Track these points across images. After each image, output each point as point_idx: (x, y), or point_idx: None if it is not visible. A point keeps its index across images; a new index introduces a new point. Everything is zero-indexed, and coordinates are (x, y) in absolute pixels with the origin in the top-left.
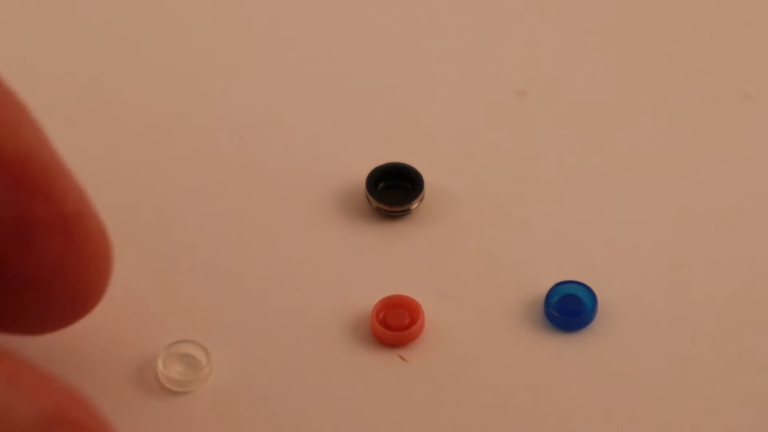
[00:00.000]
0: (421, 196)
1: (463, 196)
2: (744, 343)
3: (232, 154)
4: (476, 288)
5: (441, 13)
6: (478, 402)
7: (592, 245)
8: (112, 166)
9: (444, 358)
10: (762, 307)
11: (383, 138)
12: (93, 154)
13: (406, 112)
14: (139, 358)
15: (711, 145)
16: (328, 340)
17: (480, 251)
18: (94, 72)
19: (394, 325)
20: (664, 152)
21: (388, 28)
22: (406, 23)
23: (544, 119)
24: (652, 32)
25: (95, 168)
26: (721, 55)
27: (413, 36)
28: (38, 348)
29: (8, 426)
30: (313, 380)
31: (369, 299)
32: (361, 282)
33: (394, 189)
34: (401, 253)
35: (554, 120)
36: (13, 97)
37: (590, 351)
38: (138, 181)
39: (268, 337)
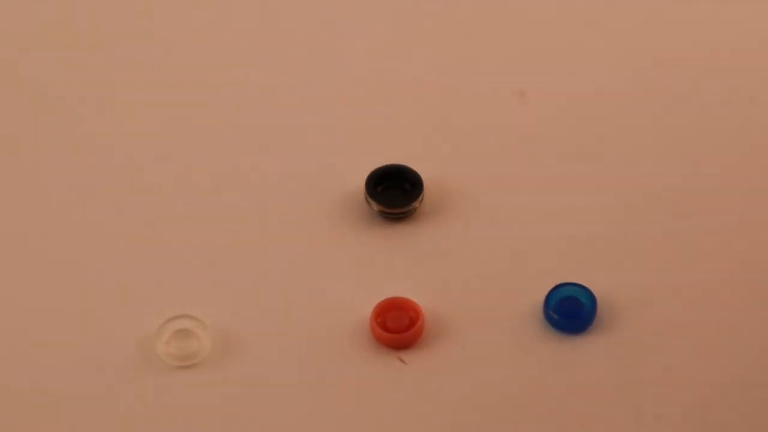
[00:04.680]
0: (420, 198)
1: (462, 197)
2: (744, 343)
3: (232, 159)
4: (476, 290)
5: (441, 14)
6: (478, 404)
7: (592, 247)
8: (119, 167)
9: (443, 360)
10: (762, 308)
11: (382, 139)
12: (103, 152)
13: (405, 113)
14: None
15: (712, 147)
16: (328, 342)
17: (479, 253)
18: (100, 73)
19: (394, 327)
20: (665, 154)
21: (386, 30)
22: (405, 25)
23: (545, 120)
24: (652, 33)
25: (106, 167)
26: (723, 56)
27: (412, 37)
28: (35, 336)
29: None
30: (312, 381)
31: (369, 301)
32: (360, 284)
33: (393, 191)
34: (401, 255)
35: (555, 121)
36: None
37: (590, 353)
38: (139, 182)
39: (268, 339)
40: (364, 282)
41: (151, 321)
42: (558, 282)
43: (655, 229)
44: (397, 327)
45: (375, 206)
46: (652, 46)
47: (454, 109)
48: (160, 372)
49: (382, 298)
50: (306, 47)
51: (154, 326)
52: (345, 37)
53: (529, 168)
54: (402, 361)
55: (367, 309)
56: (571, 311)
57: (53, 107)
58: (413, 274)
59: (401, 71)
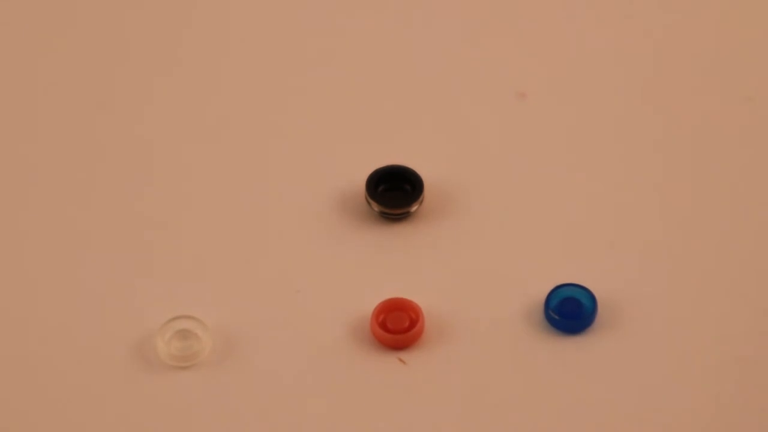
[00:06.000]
0: (420, 199)
1: (463, 198)
2: (744, 344)
3: (232, 160)
4: (476, 291)
5: (441, 15)
6: (478, 405)
7: (592, 248)
8: (122, 166)
9: (443, 361)
10: (762, 308)
11: (383, 140)
12: (103, 154)
13: (405, 114)
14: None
15: (711, 147)
16: (328, 342)
17: (480, 254)
18: (99, 73)
19: (394, 327)
20: (664, 154)
21: (387, 31)
22: (406, 26)
23: (545, 121)
24: (652, 34)
25: (107, 167)
26: (722, 57)
27: (413, 39)
28: (35, 336)
29: None
30: (312, 382)
31: (369, 302)
32: (361, 284)
33: (394, 191)
34: (401, 256)
35: (555, 122)
36: None
37: (591, 353)
38: (140, 183)
39: (268, 340)
40: (365, 282)
41: (152, 321)
42: (558, 282)
43: (655, 230)
44: (398, 327)
45: (375, 207)
46: (652, 47)
47: (454, 110)
48: (160, 372)
49: (383, 299)
50: (307, 48)
51: (155, 326)
52: (346, 38)
53: (530, 169)
54: (402, 361)
55: (368, 309)
56: (571, 312)
57: (55, 105)
58: (413, 275)
59: (403, 73)
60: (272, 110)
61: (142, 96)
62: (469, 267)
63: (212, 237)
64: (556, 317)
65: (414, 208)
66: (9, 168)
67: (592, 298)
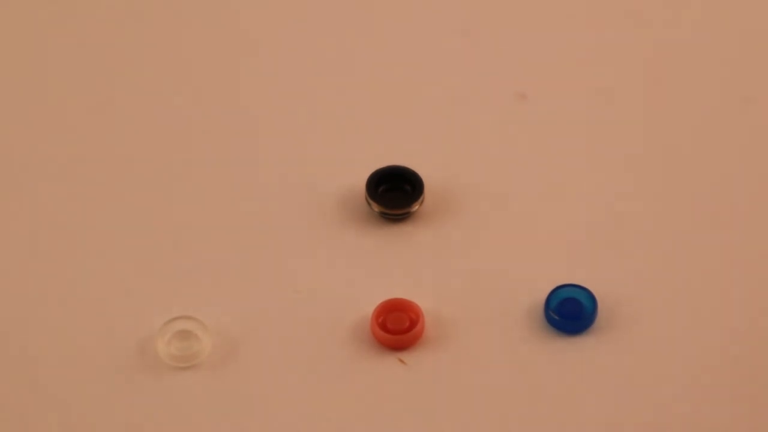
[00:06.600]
0: (421, 199)
1: (463, 198)
2: (744, 345)
3: (233, 160)
4: (476, 291)
5: (441, 15)
6: (478, 405)
7: (592, 248)
8: (121, 166)
9: (444, 361)
10: (762, 309)
11: (383, 141)
12: (103, 154)
13: (405, 115)
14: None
15: (711, 148)
16: (328, 343)
17: (480, 254)
18: (98, 74)
19: (394, 328)
20: (664, 155)
21: (387, 31)
22: (406, 26)
23: (545, 122)
24: (652, 35)
25: (108, 168)
26: (720, 58)
27: (413, 39)
28: (36, 336)
29: None
30: (312, 382)
31: (369, 302)
32: (361, 285)
33: (394, 192)
34: (401, 256)
35: (555, 123)
36: None
37: (591, 354)
38: (142, 183)
39: (267, 341)
40: (365, 283)
41: (152, 322)
42: (558, 283)
43: (656, 230)
44: (398, 328)
45: (375, 207)
46: (652, 46)
47: (454, 110)
48: (160, 372)
49: (383, 299)
50: (307, 49)
51: (155, 327)
52: (346, 38)
53: (530, 170)
54: (402, 361)
55: (368, 310)
56: (571, 312)
57: (55, 105)
58: (413, 276)
59: (403, 73)
60: (272, 110)
61: (142, 95)
62: (469, 267)
63: (212, 237)
64: (556, 317)
65: (414, 209)
66: (9, 168)
67: (592, 299)
